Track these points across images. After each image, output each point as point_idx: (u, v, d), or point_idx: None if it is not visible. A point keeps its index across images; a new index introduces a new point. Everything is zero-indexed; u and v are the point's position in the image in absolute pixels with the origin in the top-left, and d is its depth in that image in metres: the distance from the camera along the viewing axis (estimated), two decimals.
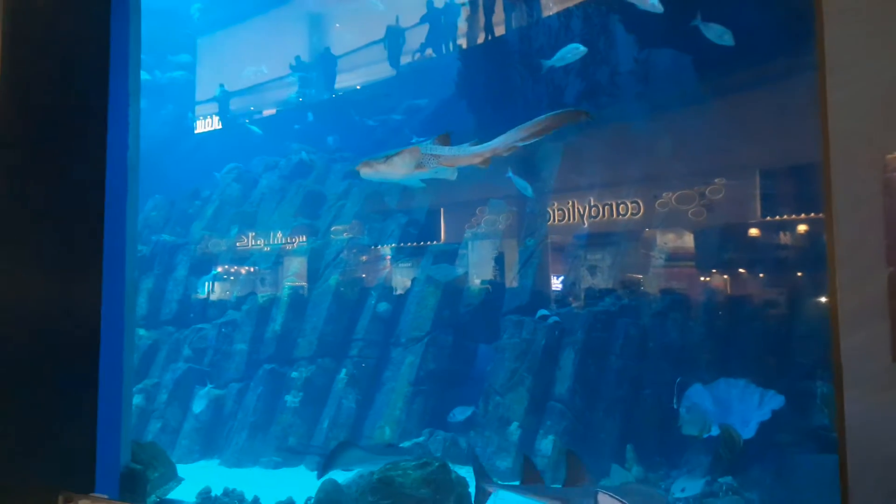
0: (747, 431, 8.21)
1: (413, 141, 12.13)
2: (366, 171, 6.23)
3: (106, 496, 4.25)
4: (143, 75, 6.66)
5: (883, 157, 3.02)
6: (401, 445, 9.48)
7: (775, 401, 8.31)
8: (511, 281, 11.13)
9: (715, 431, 8.18)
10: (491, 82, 12.73)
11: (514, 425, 9.36)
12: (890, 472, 2.90)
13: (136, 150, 7.09)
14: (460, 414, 9.84)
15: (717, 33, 8.62)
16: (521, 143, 5.73)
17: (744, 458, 8.09)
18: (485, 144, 5.93)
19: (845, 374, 3.03)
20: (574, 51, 9.87)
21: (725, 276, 9.93)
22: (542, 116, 5.74)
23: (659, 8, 8.65)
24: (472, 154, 5.95)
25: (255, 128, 15.74)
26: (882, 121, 3.02)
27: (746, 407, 8.47)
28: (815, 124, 3.29)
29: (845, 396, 3.02)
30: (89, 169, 4.12)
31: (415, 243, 12.60)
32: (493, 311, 10.91)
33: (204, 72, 18.77)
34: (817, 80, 3.28)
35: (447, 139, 6.09)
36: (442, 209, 13.07)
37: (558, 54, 9.98)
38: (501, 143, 5.84)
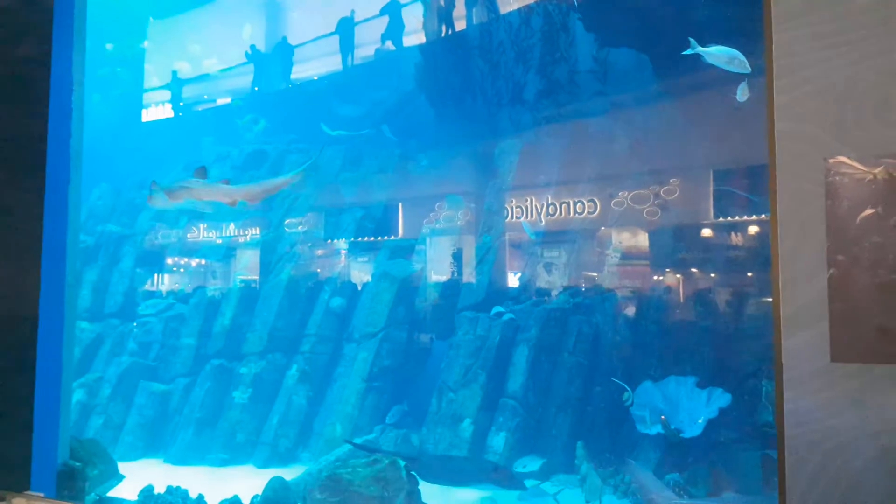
0: (695, 429, 8.34)
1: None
2: (150, 203, 6.87)
3: (42, 494, 4.06)
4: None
5: (825, 160, 3.04)
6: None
7: (722, 399, 8.45)
8: (467, 277, 11.09)
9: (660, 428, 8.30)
10: (451, 77, 12.64)
11: (467, 422, 9.31)
12: (824, 470, 2.93)
13: (79, 138, 6.83)
14: (394, 416, 9.82)
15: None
16: (264, 196, 6.94)
17: (691, 455, 8.21)
18: (233, 186, 6.70)
19: (785, 374, 3.05)
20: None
21: (678, 276, 10.06)
22: (283, 175, 7.06)
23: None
24: (220, 191, 6.64)
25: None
26: (825, 125, 3.03)
27: (694, 404, 8.59)
28: (765, 126, 3.29)
29: (785, 396, 3.05)
30: (29, 157, 3.96)
31: (371, 238, 12.44)
32: (449, 307, 10.85)
33: (155, 59, 18.22)
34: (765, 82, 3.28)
35: (203, 173, 6.70)
36: (400, 204, 12.93)
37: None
38: (247, 191, 6.77)
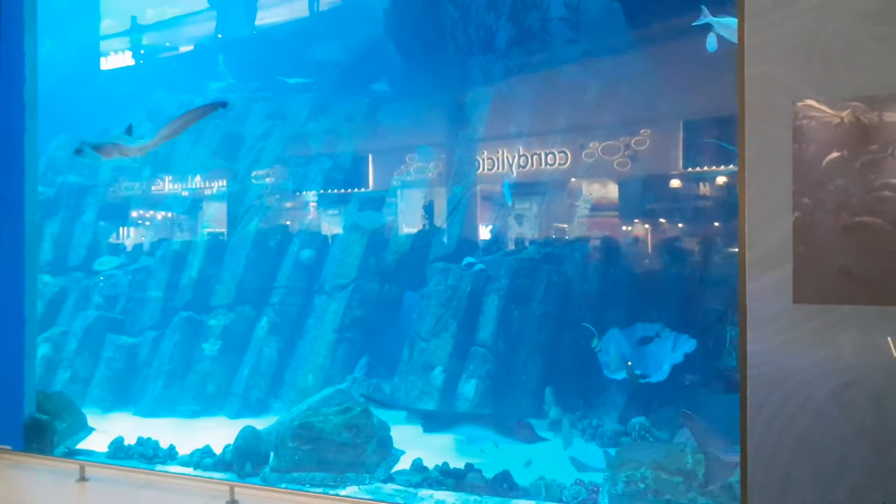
0: (660, 374, 8.54)
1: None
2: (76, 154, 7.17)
3: (9, 447, 4.02)
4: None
5: (794, 104, 3.03)
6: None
7: (688, 345, 8.64)
8: (438, 229, 11.05)
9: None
10: (420, 23, 12.32)
11: (438, 370, 9.42)
12: (784, 407, 3.02)
13: (33, 85, 6.53)
14: (361, 368, 9.95)
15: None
16: (168, 138, 7.24)
17: (656, 399, 8.44)
18: (142, 138, 7.14)
19: (749, 316, 3.11)
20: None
21: (647, 226, 10.15)
22: (182, 113, 7.17)
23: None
24: (135, 146, 7.09)
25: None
26: (795, 68, 3.01)
27: (660, 351, 8.78)
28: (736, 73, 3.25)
29: (748, 337, 3.11)
30: None
31: (340, 189, 12.28)
32: (420, 258, 10.84)
33: (113, 2, 17.43)
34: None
35: (130, 130, 7.12)
36: (370, 155, 12.74)
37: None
38: (152, 140, 7.15)
